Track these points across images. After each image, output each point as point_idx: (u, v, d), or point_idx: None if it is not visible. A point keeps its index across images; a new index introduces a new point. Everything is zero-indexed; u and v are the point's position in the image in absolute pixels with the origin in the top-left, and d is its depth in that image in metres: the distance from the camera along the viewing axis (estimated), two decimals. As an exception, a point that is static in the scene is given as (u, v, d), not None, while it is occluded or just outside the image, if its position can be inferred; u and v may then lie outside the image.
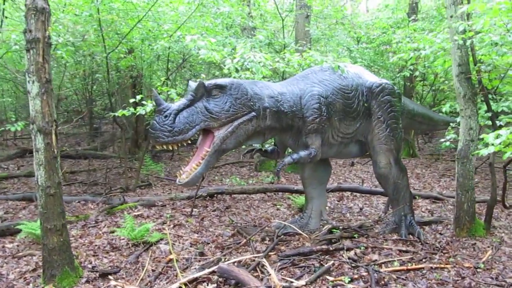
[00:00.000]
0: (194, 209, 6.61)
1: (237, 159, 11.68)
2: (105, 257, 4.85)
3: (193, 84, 4.16)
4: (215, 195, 7.45)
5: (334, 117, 4.78)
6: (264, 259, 4.32)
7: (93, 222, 6.07)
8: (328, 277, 4.15)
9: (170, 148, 3.99)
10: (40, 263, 4.61)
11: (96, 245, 5.19)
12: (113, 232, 5.62)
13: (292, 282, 4.03)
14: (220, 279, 4.08)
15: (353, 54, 11.87)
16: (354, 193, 7.70)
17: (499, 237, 5.26)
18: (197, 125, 3.98)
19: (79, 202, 7.07)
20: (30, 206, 6.89)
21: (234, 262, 4.41)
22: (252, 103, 4.23)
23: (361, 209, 6.71)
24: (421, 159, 11.86)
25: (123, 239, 5.36)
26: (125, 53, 7.77)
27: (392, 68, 12.63)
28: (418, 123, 6.37)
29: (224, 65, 5.19)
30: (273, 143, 5.33)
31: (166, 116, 3.88)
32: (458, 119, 6.58)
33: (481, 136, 3.73)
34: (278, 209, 6.78)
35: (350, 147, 5.17)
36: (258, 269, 4.31)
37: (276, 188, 7.62)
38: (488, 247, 4.95)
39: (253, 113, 4.23)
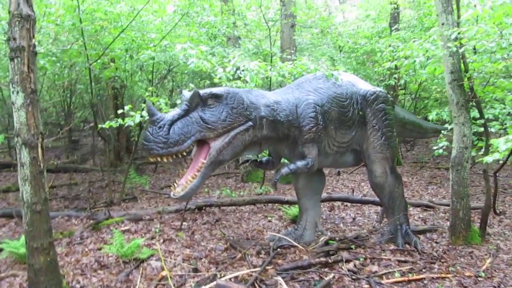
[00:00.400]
0: (184, 223, 6.41)
1: (222, 171, 11.49)
2: (94, 276, 4.60)
3: (187, 94, 4.02)
4: (204, 208, 7.26)
5: (330, 126, 4.69)
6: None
7: (78, 239, 5.80)
8: (329, 291, 4.03)
9: (165, 160, 3.80)
10: (25, 285, 4.36)
11: (83, 263, 4.94)
12: (100, 249, 5.37)
13: (292, 297, 3.89)
14: (218, 297, 3.91)
15: (337, 63, 11.91)
16: (345, 203, 7.61)
17: (495, 244, 5.24)
18: (192, 136, 3.82)
19: (62, 217, 6.77)
20: (10, 223, 6.57)
21: (231, 278, 4.24)
22: (248, 113, 4.10)
23: (354, 219, 6.62)
24: (406, 167, 11.89)
25: (111, 256, 5.12)
26: (108, 63, 7.56)
27: (375, 77, 12.72)
28: (409, 131, 6.36)
29: (215, 74, 5.05)
30: (267, 153, 5.19)
31: (160, 127, 3.71)
32: (449, 127, 6.61)
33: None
34: (269, 221, 6.63)
35: (345, 156, 5.09)
36: (256, 284, 4.15)
37: (267, 199, 7.47)
38: (486, 254, 4.91)
39: (250, 123, 4.10)
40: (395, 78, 9.46)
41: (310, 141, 4.50)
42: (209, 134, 3.91)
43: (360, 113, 4.97)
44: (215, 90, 4.03)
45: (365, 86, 5.17)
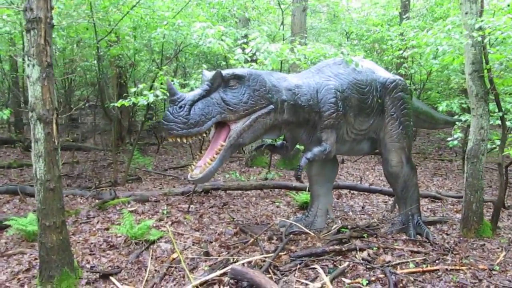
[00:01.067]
0: (191, 205, 6.34)
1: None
2: (103, 256, 4.54)
3: (208, 74, 3.90)
4: (210, 191, 7.19)
5: (350, 113, 4.60)
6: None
7: (85, 218, 5.73)
8: (344, 279, 3.98)
9: (184, 141, 3.69)
10: (33, 262, 4.30)
11: (91, 243, 4.87)
12: (108, 229, 5.31)
13: (307, 284, 3.84)
14: (232, 281, 3.85)
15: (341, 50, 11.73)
16: (352, 191, 7.57)
17: (506, 238, 5.21)
18: (213, 117, 3.71)
19: (66, 196, 6.68)
20: (14, 200, 6.47)
21: (244, 263, 4.19)
22: (270, 96, 3.99)
23: (363, 207, 6.58)
24: (409, 157, 11.86)
25: (119, 236, 5.06)
26: (116, 41, 7.38)
27: (382, 65, 12.58)
28: (422, 121, 6.29)
29: (232, 56, 4.92)
30: (282, 137, 5.09)
31: (180, 107, 3.59)
32: (463, 118, 6.54)
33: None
34: (278, 206, 6.58)
35: (362, 144, 5.01)
36: (270, 270, 4.10)
37: (274, 184, 7.41)
38: (498, 248, 4.88)
39: (272, 106, 4.00)
40: (405, 67, 9.33)
41: (330, 127, 4.41)
42: (230, 116, 3.81)
43: (379, 100, 4.88)
44: (237, 71, 3.91)
45: (384, 74, 5.06)
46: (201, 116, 3.65)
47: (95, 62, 9.50)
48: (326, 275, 3.95)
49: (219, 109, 3.75)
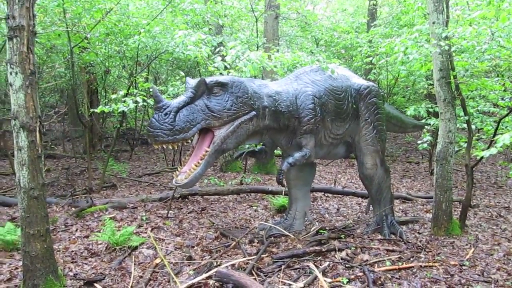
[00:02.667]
0: (169, 211, 6.37)
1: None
2: (86, 264, 4.53)
3: (192, 81, 3.99)
4: (187, 197, 7.23)
5: (327, 118, 4.78)
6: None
7: (63, 226, 5.67)
8: (325, 278, 4.12)
9: (170, 147, 3.78)
10: (15, 272, 4.25)
11: (72, 251, 4.84)
12: (87, 236, 5.28)
13: (290, 284, 3.96)
14: (217, 284, 3.94)
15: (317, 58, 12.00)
16: (326, 194, 7.77)
17: (473, 235, 5.50)
18: (198, 123, 3.80)
19: (41, 204, 6.57)
20: (-12, 209, 6.33)
21: (227, 266, 4.27)
22: (252, 102, 4.12)
23: (338, 209, 6.78)
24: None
25: (100, 243, 5.05)
26: (92, 47, 7.33)
27: (352, 71, 12.93)
28: (392, 125, 6.54)
29: (211, 63, 5.02)
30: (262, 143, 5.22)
31: (166, 114, 3.66)
32: (431, 122, 6.86)
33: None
34: (255, 210, 6.69)
35: (338, 148, 5.20)
36: (254, 272, 4.20)
37: (251, 189, 7.52)
38: (466, 245, 5.16)
39: (254, 112, 4.12)
40: (374, 73, 9.67)
41: (309, 132, 4.57)
42: (214, 122, 3.91)
43: (354, 106, 5.08)
44: (221, 78, 4.02)
45: (358, 80, 5.28)
46: (186, 122, 3.73)
47: (63, 69, 9.39)
48: (308, 275, 4.10)
49: (203, 115, 3.84)
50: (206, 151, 3.94)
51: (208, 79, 3.95)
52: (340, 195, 7.67)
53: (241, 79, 4.15)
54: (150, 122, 3.69)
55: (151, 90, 5.44)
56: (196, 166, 3.90)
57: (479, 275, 4.31)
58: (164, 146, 3.74)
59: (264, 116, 4.25)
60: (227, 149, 4.13)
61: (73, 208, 6.36)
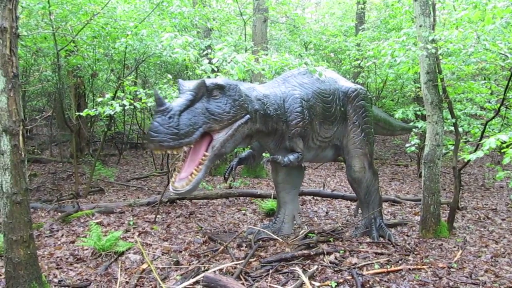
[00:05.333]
0: (157, 216, 6.30)
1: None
2: (71, 270, 4.46)
3: (187, 83, 3.89)
4: (175, 201, 7.17)
5: (315, 121, 4.76)
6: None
7: (48, 232, 5.58)
8: (314, 282, 4.10)
9: (175, 152, 3.63)
10: (-2, 280, 4.15)
11: (57, 257, 4.76)
12: (73, 242, 5.20)
13: (279, 289, 3.93)
14: (205, 289, 3.89)
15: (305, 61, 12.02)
16: (315, 197, 7.76)
17: (461, 237, 5.52)
18: (199, 127, 3.67)
19: (26, 210, 6.46)
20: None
21: (215, 271, 4.23)
22: (246, 105, 4.07)
23: (327, 213, 6.76)
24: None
25: (86, 249, 4.97)
26: (77, 50, 7.25)
27: (341, 75, 12.98)
28: (381, 128, 6.56)
29: (198, 66, 4.98)
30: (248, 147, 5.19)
31: (170, 118, 3.49)
32: (419, 125, 6.89)
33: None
34: (244, 214, 6.65)
35: (326, 151, 5.18)
36: (242, 276, 4.16)
37: (239, 192, 7.47)
38: (454, 247, 5.17)
39: (248, 116, 4.06)
40: (362, 76, 9.70)
41: (297, 135, 4.55)
42: (215, 126, 3.81)
43: (342, 109, 5.08)
44: (219, 81, 3.93)
45: (346, 83, 5.28)
46: (189, 126, 3.58)
47: (50, 72, 9.27)
48: (297, 279, 4.07)
49: (204, 119, 3.73)
50: (205, 156, 3.84)
51: (208, 81, 3.87)
52: (329, 199, 7.65)
53: (234, 82, 4.10)
54: (153, 127, 3.47)
55: (138, 93, 5.41)
56: (196, 171, 3.80)
57: (467, 277, 4.31)
58: (169, 152, 3.58)
59: (256, 120, 4.20)
60: (226, 153, 4.06)
61: (59, 213, 6.27)
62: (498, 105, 5.76)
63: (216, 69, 4.96)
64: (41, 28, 6.17)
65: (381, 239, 5.33)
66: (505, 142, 3.44)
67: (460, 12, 4.90)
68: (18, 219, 3.64)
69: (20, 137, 3.66)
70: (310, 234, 5.21)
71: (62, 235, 5.48)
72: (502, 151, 3.61)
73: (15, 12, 3.65)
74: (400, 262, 4.67)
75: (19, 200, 3.62)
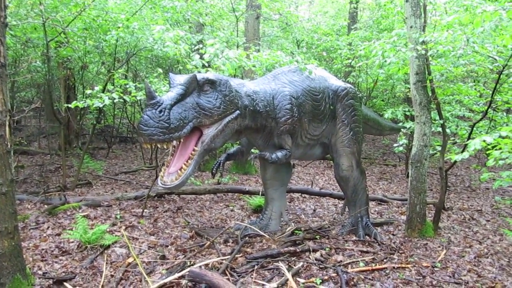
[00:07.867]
0: (144, 210, 6.28)
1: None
2: (56, 262, 4.43)
3: (178, 77, 3.88)
4: (163, 195, 7.15)
5: (304, 118, 4.78)
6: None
7: (34, 224, 5.54)
8: (299, 279, 4.13)
9: (165, 146, 3.62)
10: (-20, 271, 4.10)
11: (43, 249, 4.73)
12: (59, 234, 5.17)
13: (264, 285, 3.95)
14: (190, 284, 3.89)
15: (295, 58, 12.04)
16: (304, 195, 7.79)
17: (446, 237, 5.58)
18: (190, 121, 3.67)
19: (12, 201, 6.41)
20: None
21: (201, 266, 4.23)
22: (236, 101, 4.07)
23: (314, 210, 6.80)
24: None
25: (72, 242, 4.94)
26: (67, 42, 7.18)
27: (332, 73, 13.03)
28: (370, 127, 6.60)
29: (189, 61, 4.97)
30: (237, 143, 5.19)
31: (161, 111, 3.48)
32: (407, 125, 6.94)
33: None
34: (232, 210, 6.66)
35: (315, 149, 5.21)
36: (227, 272, 4.18)
37: (227, 189, 7.48)
38: (439, 247, 5.23)
39: (238, 111, 4.07)
40: (353, 76, 9.75)
41: (286, 132, 4.56)
42: (205, 120, 3.82)
43: (331, 107, 5.10)
44: (210, 76, 3.93)
45: (336, 82, 5.31)
46: (179, 120, 3.58)
47: (39, 63, 9.18)
48: (282, 276, 4.09)
49: (195, 113, 3.73)
50: (195, 150, 3.84)
51: (199, 76, 3.86)
52: (317, 196, 7.69)
53: (225, 77, 4.10)
54: (143, 120, 3.47)
55: (128, 86, 5.37)
56: (186, 166, 3.80)
57: (450, 277, 4.37)
58: (159, 145, 3.59)
59: (245, 116, 4.22)
60: (215, 148, 4.07)
61: (45, 206, 6.23)
62: (486, 107, 5.82)
63: (207, 64, 4.95)
64: (31, 18, 6.10)
65: (367, 237, 5.37)
66: (490, 144, 3.49)
67: (451, 15, 4.95)
68: (3, 210, 3.61)
69: (7, 128, 3.64)
70: (296, 231, 5.23)
71: (48, 227, 5.44)
72: (487, 152, 3.65)
73: (3, 1, 3.62)
74: (385, 260, 4.71)
75: (4, 191, 3.60)
